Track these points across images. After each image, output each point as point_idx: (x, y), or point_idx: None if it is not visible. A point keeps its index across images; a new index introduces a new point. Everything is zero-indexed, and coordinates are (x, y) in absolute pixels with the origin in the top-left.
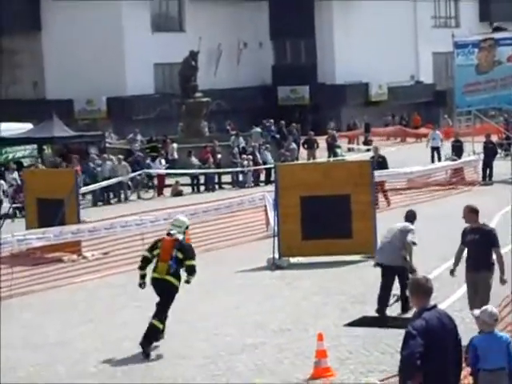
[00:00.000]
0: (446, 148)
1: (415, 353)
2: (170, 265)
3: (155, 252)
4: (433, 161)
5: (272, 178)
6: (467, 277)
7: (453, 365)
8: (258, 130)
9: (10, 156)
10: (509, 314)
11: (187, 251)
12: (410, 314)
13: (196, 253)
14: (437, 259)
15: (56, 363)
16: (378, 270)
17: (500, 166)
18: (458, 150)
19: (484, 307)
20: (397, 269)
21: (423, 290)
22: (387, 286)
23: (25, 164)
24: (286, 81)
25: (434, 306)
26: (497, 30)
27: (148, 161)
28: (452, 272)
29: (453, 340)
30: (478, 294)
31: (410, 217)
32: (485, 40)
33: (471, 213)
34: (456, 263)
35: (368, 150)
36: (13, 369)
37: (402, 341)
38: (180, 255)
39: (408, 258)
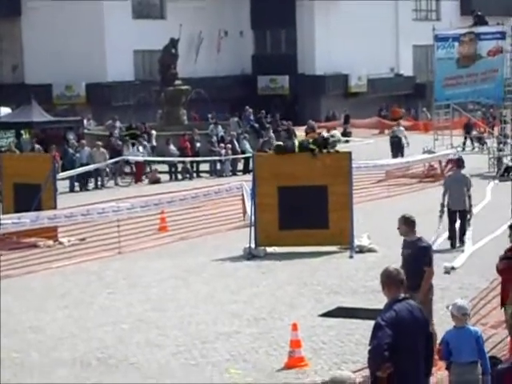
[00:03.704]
0: (426, 141)
1: (383, 344)
2: None
3: None
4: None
5: (250, 168)
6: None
7: (423, 356)
8: (236, 119)
9: None
10: (483, 307)
11: None
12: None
13: (172, 241)
14: None
15: (30, 349)
16: (354, 262)
17: (477, 159)
18: (397, 145)
19: (455, 301)
20: (461, 211)
21: (394, 281)
22: (453, 226)
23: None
24: (266, 70)
25: (406, 298)
26: (478, 19)
27: (128, 148)
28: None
29: (423, 332)
30: None
31: (462, 163)
32: (465, 34)
33: (405, 224)
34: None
35: (347, 142)
36: None
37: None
38: None
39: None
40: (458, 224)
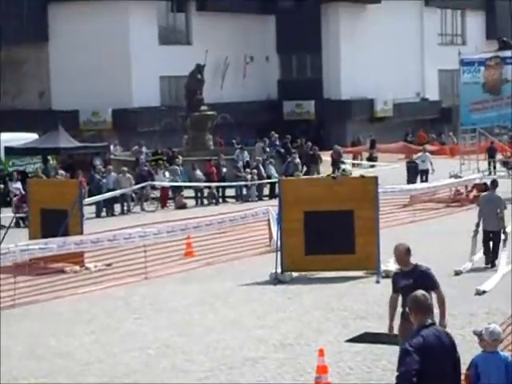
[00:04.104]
0: (452, 165)
1: (411, 370)
2: None
3: None
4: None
5: (276, 193)
6: (403, 328)
7: (450, 382)
8: (261, 144)
9: (18, 167)
10: (511, 333)
11: None
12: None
13: (198, 266)
14: (443, 275)
15: (58, 374)
16: (380, 287)
17: (502, 183)
18: (413, 171)
19: (487, 325)
20: (495, 233)
21: (422, 307)
22: (487, 245)
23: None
24: (292, 95)
25: (433, 324)
26: (504, 44)
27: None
28: (390, 329)
29: (451, 358)
30: None
31: (496, 185)
32: (491, 58)
33: (405, 254)
34: (392, 317)
35: (372, 166)
36: (14, 379)
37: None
38: None
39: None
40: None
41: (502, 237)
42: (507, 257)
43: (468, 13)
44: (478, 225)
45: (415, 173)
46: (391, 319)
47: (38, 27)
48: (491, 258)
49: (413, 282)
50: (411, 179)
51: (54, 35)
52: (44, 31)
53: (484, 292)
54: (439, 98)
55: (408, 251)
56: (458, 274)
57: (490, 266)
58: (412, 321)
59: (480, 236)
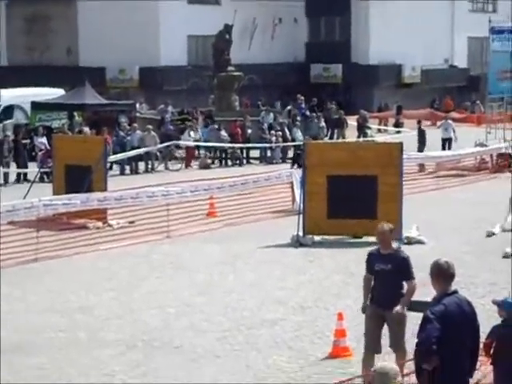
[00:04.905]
0: (479, 134)
1: (431, 337)
2: None
3: None
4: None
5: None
6: (370, 310)
7: (469, 351)
8: (289, 107)
9: (44, 123)
10: None
11: None
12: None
13: (220, 226)
14: (465, 243)
15: (77, 329)
16: None
17: None
18: (421, 136)
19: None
20: None
21: (444, 274)
22: None
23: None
24: (319, 58)
25: (455, 292)
26: None
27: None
28: (364, 309)
29: (471, 326)
30: (389, 331)
31: None
32: None
33: (389, 235)
34: (366, 296)
35: (398, 132)
36: (35, 332)
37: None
38: None
39: None
40: None
41: None
42: None
43: None
44: None
45: (423, 141)
46: (365, 300)
47: None
48: None
49: (391, 268)
50: (420, 147)
51: None
52: None
53: (493, 234)
54: (468, 65)
55: (391, 232)
56: (489, 235)
57: None
58: (434, 287)
59: None
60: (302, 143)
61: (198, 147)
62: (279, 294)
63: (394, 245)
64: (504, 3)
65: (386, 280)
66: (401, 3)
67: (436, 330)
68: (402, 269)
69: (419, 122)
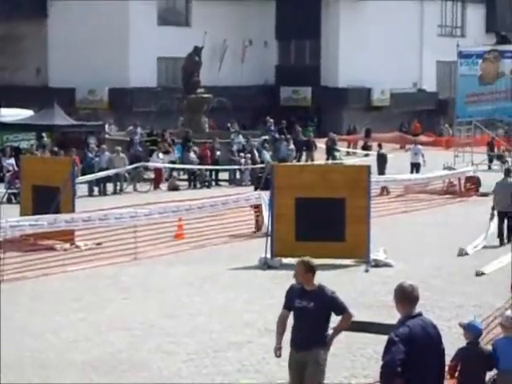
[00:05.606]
0: (447, 157)
1: (396, 359)
2: None
3: None
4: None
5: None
6: (291, 359)
7: (435, 374)
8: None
9: (12, 143)
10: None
11: None
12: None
13: (188, 248)
14: (433, 266)
15: (45, 350)
16: (369, 276)
17: (497, 177)
18: (380, 160)
19: (506, 312)
20: (508, 213)
21: (409, 297)
22: (501, 225)
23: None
24: (289, 81)
25: (419, 314)
26: (503, 39)
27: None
28: (277, 350)
29: (436, 349)
30: (305, 377)
31: (510, 172)
32: (489, 51)
33: (306, 272)
34: (280, 336)
35: (367, 155)
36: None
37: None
38: None
39: None
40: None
41: None
42: None
43: (468, 5)
44: (493, 208)
45: (383, 164)
46: (279, 340)
47: (37, 4)
48: (507, 234)
49: (313, 306)
50: (380, 170)
51: (53, 12)
52: (43, 8)
53: (482, 273)
54: (436, 89)
55: (311, 269)
56: (461, 254)
57: (506, 241)
58: (398, 310)
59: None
60: (264, 166)
61: (168, 169)
62: (246, 316)
63: (317, 283)
64: (472, 28)
65: (308, 318)
66: (370, 27)
67: (400, 352)
68: (330, 307)
69: (379, 146)
